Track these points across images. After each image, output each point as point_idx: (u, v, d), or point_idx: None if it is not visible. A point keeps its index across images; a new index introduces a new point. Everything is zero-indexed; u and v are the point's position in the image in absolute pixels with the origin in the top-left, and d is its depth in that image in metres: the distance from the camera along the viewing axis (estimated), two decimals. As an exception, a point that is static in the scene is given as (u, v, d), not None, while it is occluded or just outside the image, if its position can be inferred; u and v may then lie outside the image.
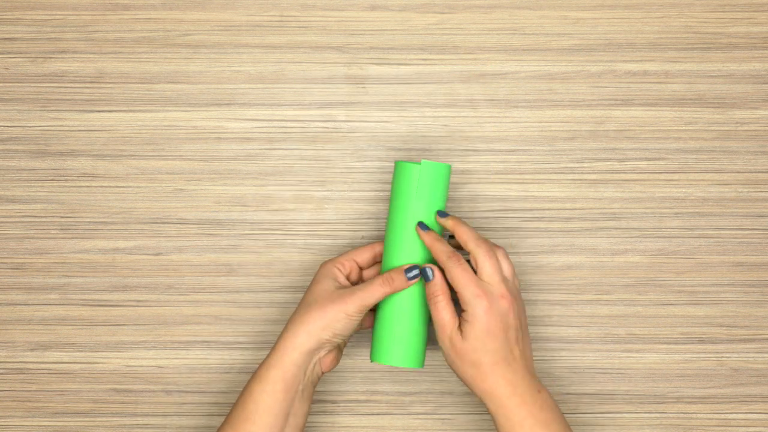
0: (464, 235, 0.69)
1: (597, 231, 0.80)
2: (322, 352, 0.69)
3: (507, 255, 0.71)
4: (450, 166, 0.71)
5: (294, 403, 0.68)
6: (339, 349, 0.72)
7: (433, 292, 0.69)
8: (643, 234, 0.80)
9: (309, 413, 0.75)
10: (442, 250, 0.69)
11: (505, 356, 0.68)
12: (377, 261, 0.74)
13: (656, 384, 0.80)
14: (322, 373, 0.71)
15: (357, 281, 0.73)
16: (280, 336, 0.69)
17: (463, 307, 0.68)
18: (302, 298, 0.71)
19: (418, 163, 0.72)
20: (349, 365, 0.80)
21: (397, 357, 0.70)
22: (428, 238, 0.70)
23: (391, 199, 0.72)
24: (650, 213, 0.80)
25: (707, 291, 0.80)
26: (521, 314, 0.69)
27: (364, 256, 0.73)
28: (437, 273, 0.69)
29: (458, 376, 0.69)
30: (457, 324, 0.68)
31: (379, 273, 0.73)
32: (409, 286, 0.70)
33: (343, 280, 0.71)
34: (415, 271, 0.69)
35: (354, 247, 0.77)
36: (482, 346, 0.67)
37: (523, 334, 0.69)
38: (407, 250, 0.71)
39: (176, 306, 0.80)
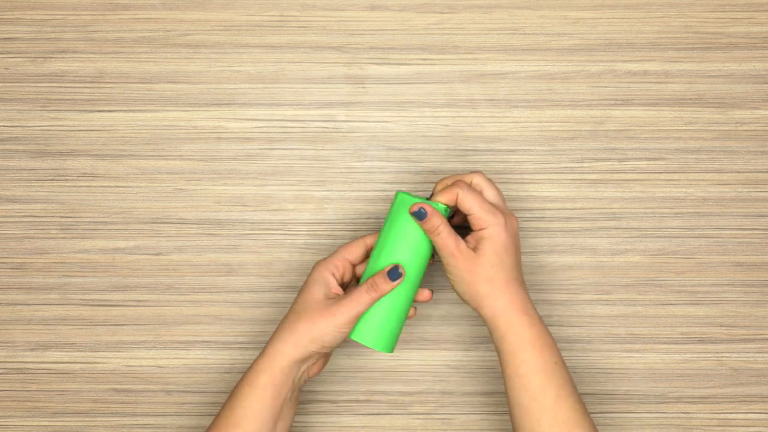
0: (455, 188, 0.69)
1: (597, 231, 0.80)
2: (311, 361, 0.70)
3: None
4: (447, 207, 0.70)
5: (282, 408, 0.68)
6: (327, 356, 0.72)
7: (432, 224, 0.68)
8: (643, 234, 0.80)
9: (295, 417, 0.75)
10: (445, 181, 0.71)
11: (517, 276, 0.69)
12: (369, 255, 0.74)
13: (656, 384, 0.80)
14: (309, 378, 0.71)
15: (350, 280, 0.73)
16: (270, 341, 0.69)
17: (479, 225, 0.68)
18: (294, 302, 0.70)
19: (417, 198, 0.71)
20: (349, 365, 0.80)
21: (369, 338, 0.70)
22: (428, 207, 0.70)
23: (387, 222, 0.71)
24: (650, 213, 0.80)
25: (707, 291, 0.80)
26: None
27: (356, 252, 0.72)
28: (429, 209, 0.69)
29: (468, 297, 0.69)
30: (464, 247, 0.68)
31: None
32: (393, 288, 0.69)
33: (334, 285, 0.70)
34: (398, 271, 0.69)
35: (344, 244, 0.76)
36: (500, 262, 0.68)
37: (519, 258, 0.71)
38: (392, 259, 0.70)
39: (176, 306, 0.80)
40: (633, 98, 0.81)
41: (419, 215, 0.69)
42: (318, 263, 0.71)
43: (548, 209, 0.80)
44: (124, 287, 0.80)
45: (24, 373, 0.80)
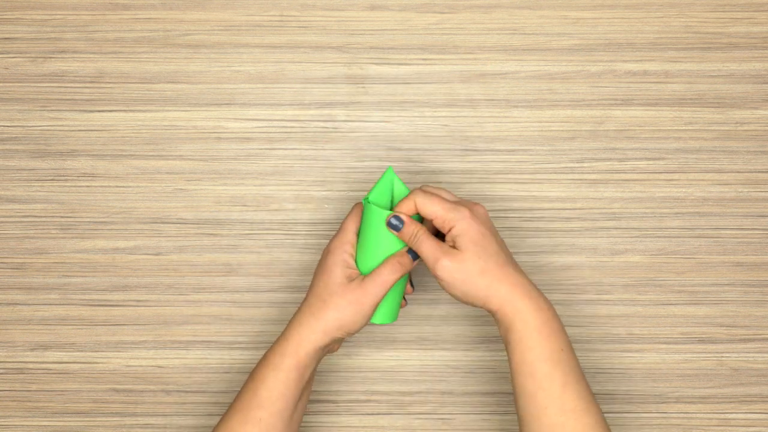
0: (408, 202, 0.69)
1: (597, 231, 0.80)
2: (332, 344, 0.70)
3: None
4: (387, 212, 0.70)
5: (303, 390, 0.69)
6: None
7: (410, 232, 0.68)
8: (643, 234, 0.80)
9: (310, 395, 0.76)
10: (408, 201, 0.69)
11: (507, 259, 0.67)
12: None
13: (656, 384, 0.80)
14: (328, 353, 0.72)
15: None
16: (293, 325, 0.69)
17: (447, 227, 0.67)
18: (314, 285, 0.69)
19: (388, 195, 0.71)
20: (349, 365, 0.80)
21: (380, 316, 0.70)
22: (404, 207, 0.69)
23: (362, 228, 0.71)
24: (650, 213, 0.80)
25: (707, 291, 0.80)
26: (495, 227, 0.70)
27: (359, 222, 0.71)
28: (404, 217, 0.68)
29: (470, 297, 0.67)
30: (446, 248, 0.67)
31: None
32: (414, 266, 0.70)
33: (352, 264, 0.70)
34: (414, 253, 0.69)
35: (346, 218, 0.73)
36: (483, 251, 0.66)
37: (502, 241, 0.69)
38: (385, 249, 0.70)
39: (176, 306, 0.80)
40: (633, 98, 0.81)
41: (394, 227, 0.68)
42: (333, 244, 0.70)
43: (548, 209, 0.80)
44: (124, 287, 0.80)
45: (24, 373, 0.80)
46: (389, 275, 0.68)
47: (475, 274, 0.66)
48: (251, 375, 0.69)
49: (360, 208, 0.72)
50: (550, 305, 0.67)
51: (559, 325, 0.67)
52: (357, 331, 0.69)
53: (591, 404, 0.65)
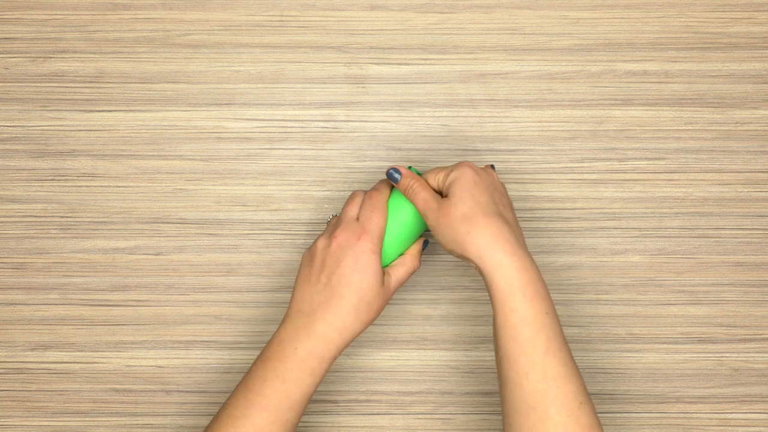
0: (428, 177, 0.71)
1: (597, 231, 0.80)
2: None
3: None
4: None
5: None
6: None
7: (407, 184, 0.70)
8: (643, 234, 0.80)
9: None
10: (427, 177, 0.71)
11: (497, 212, 0.66)
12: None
13: (656, 384, 0.80)
14: None
15: None
16: (334, 327, 0.67)
17: (449, 178, 0.68)
18: (349, 286, 0.67)
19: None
20: (349, 365, 0.80)
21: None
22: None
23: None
24: (650, 213, 0.80)
25: (707, 291, 0.80)
26: (507, 198, 0.70)
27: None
28: (402, 170, 0.70)
29: (452, 244, 0.66)
30: (438, 197, 0.68)
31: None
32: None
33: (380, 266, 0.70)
34: (426, 244, 0.73)
35: (363, 209, 0.72)
36: (471, 198, 0.66)
37: (514, 215, 0.69)
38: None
39: (176, 306, 0.80)
40: (633, 98, 0.81)
41: (393, 178, 0.70)
42: (368, 244, 0.68)
43: (548, 209, 0.80)
44: (124, 287, 0.80)
45: (24, 373, 0.80)
46: (410, 264, 0.71)
47: (457, 219, 0.65)
48: (280, 375, 0.66)
49: (359, 194, 0.72)
50: (535, 266, 0.65)
51: (544, 287, 0.65)
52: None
53: (573, 371, 0.63)
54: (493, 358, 0.80)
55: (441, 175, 0.70)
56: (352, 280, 0.67)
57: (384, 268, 0.70)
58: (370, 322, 0.69)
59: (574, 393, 0.62)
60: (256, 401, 0.66)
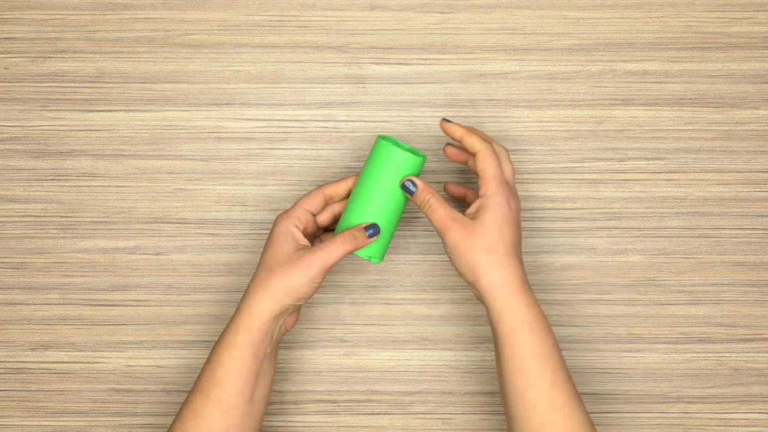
0: (474, 138, 0.69)
1: (597, 231, 0.80)
2: (286, 315, 0.70)
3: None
4: (425, 157, 0.71)
5: (262, 365, 0.68)
6: (299, 308, 0.72)
7: (423, 198, 0.69)
8: (643, 234, 0.80)
9: (275, 372, 0.75)
10: (474, 137, 0.69)
11: (517, 251, 0.67)
12: (329, 204, 0.73)
13: (656, 384, 0.80)
14: (286, 331, 0.71)
15: (312, 231, 0.73)
16: (244, 299, 0.68)
17: (484, 190, 0.68)
18: (261, 259, 0.70)
19: (397, 145, 0.72)
20: (349, 365, 0.80)
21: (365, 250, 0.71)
22: (457, 130, 0.70)
23: (365, 168, 0.71)
24: (650, 213, 0.80)
25: (707, 291, 0.80)
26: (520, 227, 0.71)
27: (315, 203, 0.72)
28: (419, 182, 0.70)
29: (466, 268, 0.67)
30: (459, 217, 0.68)
31: (333, 220, 0.73)
32: (368, 243, 0.70)
33: (300, 237, 0.70)
34: (373, 230, 0.70)
35: (304, 194, 0.74)
36: (499, 232, 0.66)
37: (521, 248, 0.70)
38: (370, 213, 0.70)
39: (176, 306, 0.80)
40: (633, 98, 0.81)
41: (408, 190, 0.70)
42: (280, 217, 0.71)
43: (548, 209, 0.80)
44: (124, 287, 0.80)
45: (24, 373, 0.80)
46: (341, 245, 0.68)
47: (480, 249, 0.66)
48: (210, 354, 0.69)
49: (319, 192, 0.72)
50: (538, 303, 0.67)
51: (547, 322, 0.67)
52: (306, 296, 0.68)
53: (578, 403, 0.65)
54: (493, 357, 0.80)
55: (476, 144, 0.68)
56: (260, 257, 0.70)
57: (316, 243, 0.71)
58: (279, 286, 0.67)
59: (580, 423, 0.65)
60: (194, 385, 0.68)
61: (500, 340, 0.66)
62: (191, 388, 0.69)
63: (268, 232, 0.80)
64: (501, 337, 0.66)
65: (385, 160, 0.70)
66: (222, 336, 0.68)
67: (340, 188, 0.73)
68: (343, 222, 0.71)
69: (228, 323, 0.69)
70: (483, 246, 0.66)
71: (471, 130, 0.70)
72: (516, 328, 0.65)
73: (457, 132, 0.70)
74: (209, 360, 0.68)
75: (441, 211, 0.68)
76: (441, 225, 0.68)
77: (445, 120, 0.71)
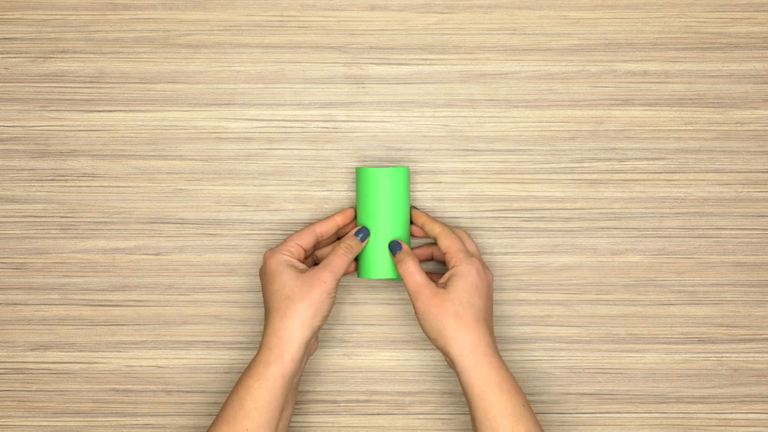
0: (434, 224, 0.74)
1: (597, 231, 0.80)
2: (312, 340, 0.71)
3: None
4: (407, 170, 0.75)
5: (288, 396, 0.69)
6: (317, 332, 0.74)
7: (402, 259, 0.72)
8: (643, 234, 0.80)
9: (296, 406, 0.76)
10: (434, 223, 0.74)
11: (486, 318, 0.70)
12: (319, 241, 0.76)
13: (656, 384, 0.80)
14: (309, 356, 0.73)
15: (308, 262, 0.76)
16: (267, 335, 0.69)
17: (453, 262, 0.71)
18: (268, 296, 0.71)
19: (378, 168, 0.75)
20: (349, 365, 0.80)
21: (380, 271, 0.74)
22: (420, 217, 0.75)
23: (359, 200, 0.75)
24: (650, 213, 0.80)
25: (707, 291, 0.80)
26: (492, 299, 0.74)
27: (307, 239, 0.74)
28: (403, 244, 0.73)
29: (435, 334, 0.70)
30: (431, 285, 0.70)
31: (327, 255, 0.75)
32: (362, 247, 0.74)
33: (299, 263, 0.72)
34: (363, 233, 0.74)
35: (294, 233, 0.76)
36: (468, 299, 0.69)
37: (492, 316, 0.73)
38: (383, 236, 0.75)
39: (176, 306, 0.80)
40: (633, 98, 0.81)
41: (392, 250, 0.73)
42: (270, 252, 0.72)
43: (548, 209, 0.80)
44: (124, 287, 0.80)
45: (24, 373, 0.80)
46: (342, 255, 0.71)
47: (449, 315, 0.69)
48: (236, 386, 0.69)
49: (311, 230, 0.74)
50: (506, 366, 0.70)
51: (516, 383, 0.69)
52: (328, 313, 0.70)
53: None
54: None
55: (453, 255, 0.72)
56: (264, 298, 0.72)
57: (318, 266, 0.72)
58: (304, 309, 0.69)
59: None
60: (219, 415, 0.69)
61: (473, 403, 0.68)
62: (214, 419, 0.69)
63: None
64: (473, 399, 0.68)
65: (375, 183, 0.74)
66: (249, 369, 0.69)
67: (329, 225, 0.75)
68: (363, 256, 0.75)
69: (253, 360, 0.69)
70: (453, 312, 0.69)
71: (432, 219, 0.75)
72: (486, 390, 0.68)
73: (420, 218, 0.75)
74: (236, 391, 0.68)
75: (417, 276, 0.71)
76: (414, 290, 0.71)
77: (414, 208, 0.77)
